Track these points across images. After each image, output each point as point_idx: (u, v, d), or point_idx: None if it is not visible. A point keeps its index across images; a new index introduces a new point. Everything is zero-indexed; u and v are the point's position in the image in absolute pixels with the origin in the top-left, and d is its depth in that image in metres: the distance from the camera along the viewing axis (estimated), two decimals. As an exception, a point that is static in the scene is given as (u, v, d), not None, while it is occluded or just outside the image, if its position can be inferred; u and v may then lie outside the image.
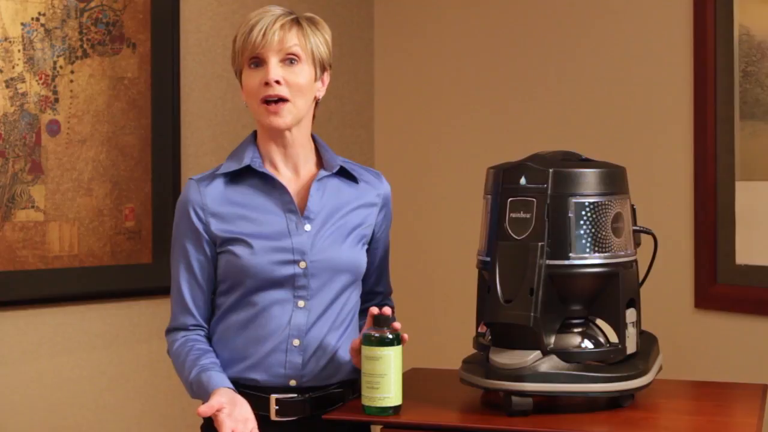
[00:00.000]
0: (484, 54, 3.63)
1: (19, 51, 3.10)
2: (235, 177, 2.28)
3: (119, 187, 3.29)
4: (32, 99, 3.12)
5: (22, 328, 3.15)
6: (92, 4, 3.23)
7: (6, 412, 3.12)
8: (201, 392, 2.19)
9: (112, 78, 3.27)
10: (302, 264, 2.23)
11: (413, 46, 3.84)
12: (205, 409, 2.07)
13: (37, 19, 3.13)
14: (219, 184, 2.27)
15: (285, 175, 2.30)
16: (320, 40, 2.27)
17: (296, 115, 2.25)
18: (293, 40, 2.22)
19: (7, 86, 3.08)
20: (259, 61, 2.23)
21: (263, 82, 2.21)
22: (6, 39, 3.08)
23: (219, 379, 2.18)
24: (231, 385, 2.18)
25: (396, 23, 3.88)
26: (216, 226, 2.25)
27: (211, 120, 3.51)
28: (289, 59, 2.22)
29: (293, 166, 2.30)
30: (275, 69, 2.21)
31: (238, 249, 2.23)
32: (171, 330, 2.32)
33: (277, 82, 2.20)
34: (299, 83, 2.23)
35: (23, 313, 3.15)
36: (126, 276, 3.29)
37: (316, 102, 2.32)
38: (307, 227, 2.25)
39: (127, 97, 3.30)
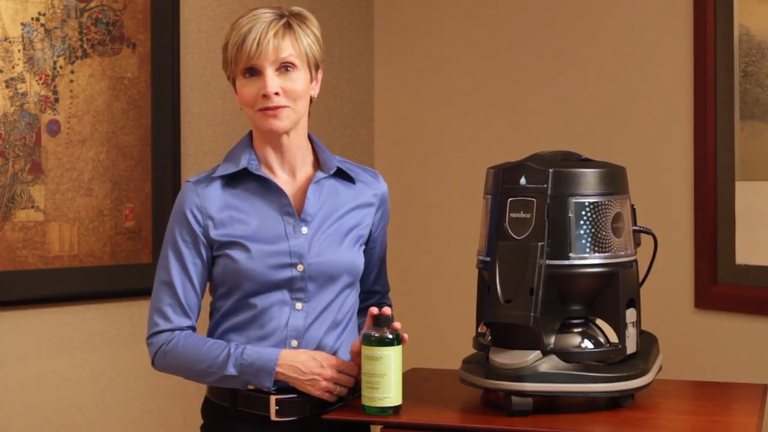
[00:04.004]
0: (484, 54, 3.63)
1: (19, 51, 3.10)
2: (231, 179, 2.27)
3: (119, 187, 3.29)
4: (32, 99, 3.12)
5: (22, 328, 3.15)
6: (92, 4, 3.23)
7: (6, 412, 3.12)
8: (251, 367, 2.18)
9: (112, 78, 3.27)
10: (300, 267, 2.23)
11: (413, 46, 3.83)
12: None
13: (37, 19, 3.13)
14: (216, 187, 2.27)
15: (282, 178, 2.29)
16: (312, 39, 2.25)
17: (294, 119, 2.24)
18: (288, 49, 2.20)
19: (7, 86, 3.08)
20: (254, 71, 2.21)
21: (261, 94, 2.20)
22: (6, 39, 3.08)
23: (265, 350, 2.20)
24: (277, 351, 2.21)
25: (396, 23, 3.88)
26: (214, 230, 2.24)
27: (211, 120, 3.51)
28: (285, 67, 2.21)
29: (290, 169, 2.30)
30: (273, 80, 2.19)
31: (236, 253, 2.22)
32: (164, 331, 2.25)
33: (276, 93, 2.20)
34: (297, 90, 2.22)
35: (23, 313, 3.15)
36: (126, 276, 3.29)
37: (311, 100, 2.31)
38: (304, 230, 2.25)
39: (127, 97, 3.30)
